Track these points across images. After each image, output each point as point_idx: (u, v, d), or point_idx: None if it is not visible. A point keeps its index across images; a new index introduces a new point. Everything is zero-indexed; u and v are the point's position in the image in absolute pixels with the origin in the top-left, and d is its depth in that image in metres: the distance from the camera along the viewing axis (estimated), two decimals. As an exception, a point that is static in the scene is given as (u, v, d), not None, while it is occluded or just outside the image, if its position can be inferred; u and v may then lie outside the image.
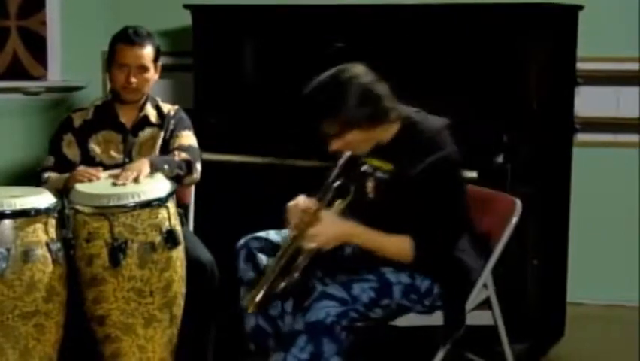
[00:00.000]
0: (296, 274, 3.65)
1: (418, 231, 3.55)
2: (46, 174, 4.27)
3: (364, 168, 3.72)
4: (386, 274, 3.59)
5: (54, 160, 4.31)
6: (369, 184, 3.70)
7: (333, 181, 3.69)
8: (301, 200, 3.69)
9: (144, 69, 4.26)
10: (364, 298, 3.51)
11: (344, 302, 3.45)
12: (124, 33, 4.27)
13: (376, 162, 3.69)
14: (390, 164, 3.64)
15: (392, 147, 3.65)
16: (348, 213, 3.65)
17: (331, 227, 3.58)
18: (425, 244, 3.55)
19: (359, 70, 3.61)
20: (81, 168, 4.17)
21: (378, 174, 3.68)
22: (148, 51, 4.26)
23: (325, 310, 3.41)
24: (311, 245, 3.57)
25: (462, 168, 3.69)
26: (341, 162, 3.71)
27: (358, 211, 3.64)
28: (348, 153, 3.68)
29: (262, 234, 3.87)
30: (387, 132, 3.65)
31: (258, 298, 3.58)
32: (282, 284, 3.64)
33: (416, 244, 3.54)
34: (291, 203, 3.67)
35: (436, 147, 3.56)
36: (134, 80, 4.24)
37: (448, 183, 3.60)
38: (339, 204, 3.67)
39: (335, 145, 3.62)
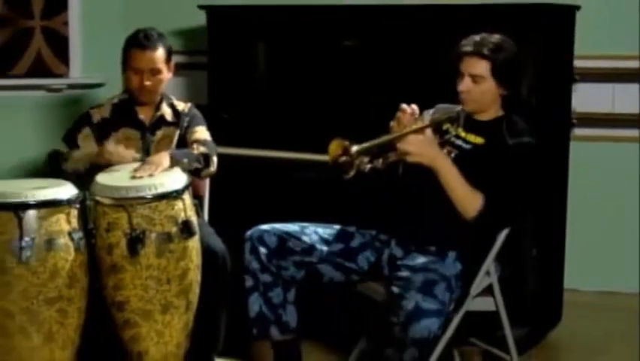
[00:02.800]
0: (380, 163, 3.69)
1: (491, 195, 3.61)
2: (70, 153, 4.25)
3: (449, 136, 3.80)
4: (440, 270, 3.63)
5: (67, 149, 4.29)
6: (445, 151, 3.74)
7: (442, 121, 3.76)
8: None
9: (157, 71, 4.23)
10: (447, 300, 3.56)
11: (439, 313, 3.50)
12: (135, 38, 4.23)
13: (471, 137, 3.77)
14: (483, 138, 3.73)
15: (491, 124, 3.76)
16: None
17: (428, 144, 3.63)
18: (493, 208, 3.61)
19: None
20: (111, 145, 4.16)
21: (464, 145, 3.76)
22: (159, 54, 4.22)
23: (427, 329, 3.44)
24: (404, 147, 3.60)
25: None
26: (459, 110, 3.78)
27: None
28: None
29: (266, 227, 3.87)
30: (492, 109, 3.79)
31: (356, 149, 3.50)
32: (368, 166, 3.67)
33: (486, 203, 3.60)
34: (405, 106, 3.69)
35: (528, 134, 3.71)
36: (147, 82, 4.22)
37: (530, 166, 3.69)
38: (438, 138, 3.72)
39: (463, 85, 3.71)
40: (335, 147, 3.52)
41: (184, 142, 4.30)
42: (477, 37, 3.73)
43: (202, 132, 4.32)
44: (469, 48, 3.71)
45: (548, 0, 4.48)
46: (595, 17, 5.03)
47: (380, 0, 4.92)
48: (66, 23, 5.60)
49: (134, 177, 3.95)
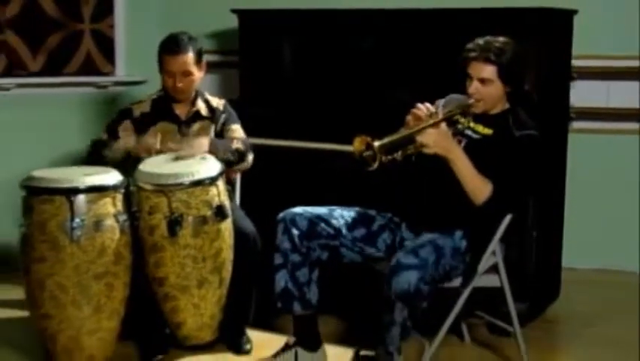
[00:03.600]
0: (399, 155, 3.61)
1: (500, 182, 3.59)
2: (110, 143, 4.24)
3: (460, 126, 3.76)
4: (436, 241, 3.63)
5: (107, 138, 4.28)
6: (461, 143, 3.72)
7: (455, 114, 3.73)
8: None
9: (188, 73, 4.19)
10: (431, 260, 3.53)
11: (418, 268, 3.46)
12: (167, 44, 4.20)
13: (480, 127, 3.75)
14: (491, 129, 3.71)
15: (499, 117, 3.73)
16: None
17: (444, 137, 3.61)
18: (499, 198, 3.59)
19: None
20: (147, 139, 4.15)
21: (473, 135, 3.74)
22: (189, 57, 4.18)
23: (407, 281, 3.42)
24: (422, 140, 3.58)
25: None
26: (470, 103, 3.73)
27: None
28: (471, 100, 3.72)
29: (299, 210, 3.85)
30: (499, 105, 3.75)
31: (378, 144, 3.46)
32: (388, 158, 3.57)
33: (494, 192, 3.58)
34: (421, 105, 3.66)
35: (532, 126, 3.69)
36: (180, 84, 4.19)
37: (535, 155, 3.67)
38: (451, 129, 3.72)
39: (473, 88, 3.68)
40: (358, 143, 3.50)
41: (220, 136, 4.29)
42: (481, 41, 3.68)
43: (238, 130, 4.32)
44: (475, 53, 3.66)
45: (549, 5, 4.45)
46: (591, 20, 4.98)
47: (394, 5, 4.89)
48: (112, 26, 5.60)
49: (178, 157, 3.96)
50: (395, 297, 3.44)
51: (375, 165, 3.48)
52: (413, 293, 3.43)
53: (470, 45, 3.70)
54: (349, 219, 3.85)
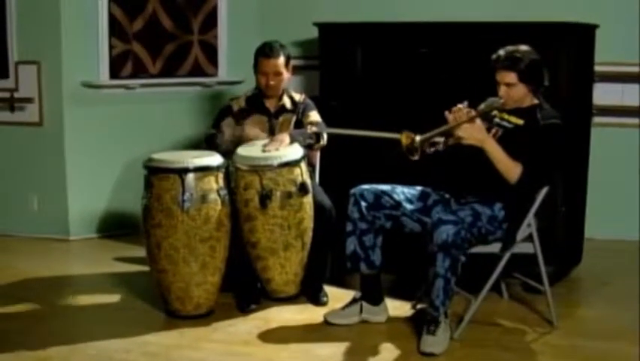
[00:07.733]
0: (441, 147, 3.61)
1: (529, 165, 3.49)
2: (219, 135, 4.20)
3: (497, 120, 3.68)
4: (476, 208, 3.55)
5: (216, 132, 4.23)
6: (494, 131, 3.64)
7: (488, 111, 3.65)
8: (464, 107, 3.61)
9: (279, 73, 4.15)
10: (467, 220, 3.47)
11: (455, 223, 3.41)
12: (262, 49, 4.16)
13: (513, 118, 3.65)
14: (522, 120, 3.61)
15: (528, 110, 3.61)
16: None
17: (478, 130, 3.54)
18: (530, 176, 3.50)
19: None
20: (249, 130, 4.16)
21: (507, 125, 3.64)
22: (280, 60, 4.13)
23: (445, 233, 3.38)
24: (460, 133, 3.53)
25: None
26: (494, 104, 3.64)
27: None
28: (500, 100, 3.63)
29: (367, 186, 3.76)
30: (528, 100, 3.63)
31: (419, 138, 3.47)
32: (432, 150, 3.58)
33: (524, 173, 3.49)
34: (459, 105, 3.59)
35: (555, 117, 3.58)
36: (272, 82, 4.15)
37: (561, 140, 3.57)
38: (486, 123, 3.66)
39: (501, 91, 3.60)
40: (405, 137, 3.50)
41: (301, 124, 4.23)
42: (502, 52, 3.60)
43: (314, 116, 4.25)
44: (498, 64, 3.59)
45: (576, 20, 4.29)
46: (610, 34, 4.75)
47: (447, 18, 4.74)
48: (216, 37, 5.57)
49: (264, 151, 3.90)
50: (436, 247, 3.38)
51: (417, 156, 3.48)
52: (450, 243, 3.36)
53: (494, 56, 3.62)
54: (409, 195, 3.75)
